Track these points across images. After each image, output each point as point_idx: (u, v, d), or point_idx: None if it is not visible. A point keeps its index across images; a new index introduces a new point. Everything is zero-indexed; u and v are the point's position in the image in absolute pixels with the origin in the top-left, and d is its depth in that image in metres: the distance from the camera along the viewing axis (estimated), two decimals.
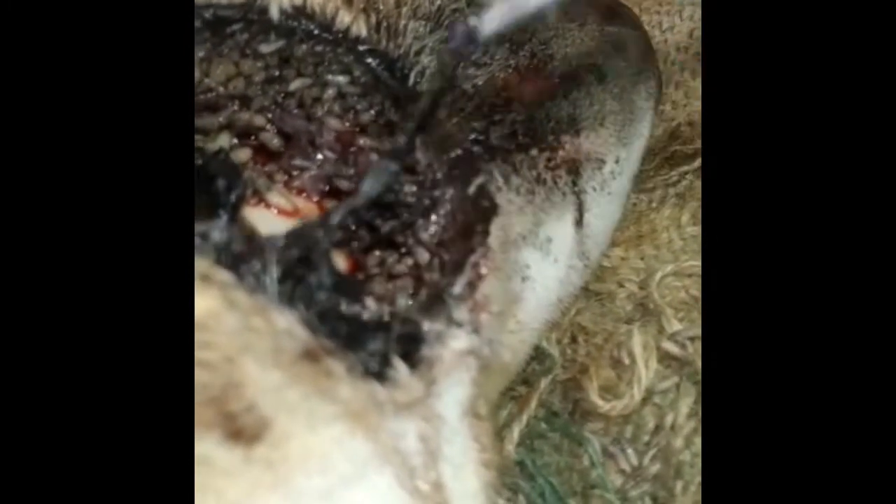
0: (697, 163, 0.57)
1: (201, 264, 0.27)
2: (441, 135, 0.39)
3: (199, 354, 0.25)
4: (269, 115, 0.40)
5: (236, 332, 0.26)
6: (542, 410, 0.49)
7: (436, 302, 0.33)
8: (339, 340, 0.29)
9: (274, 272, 0.28)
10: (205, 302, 0.26)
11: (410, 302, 0.34)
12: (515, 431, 0.48)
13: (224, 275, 0.27)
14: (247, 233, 0.35)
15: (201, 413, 0.25)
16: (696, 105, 0.60)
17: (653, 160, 0.58)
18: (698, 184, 0.56)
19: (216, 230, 0.30)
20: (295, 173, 0.41)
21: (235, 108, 0.40)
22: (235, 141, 0.40)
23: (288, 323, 0.28)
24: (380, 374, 0.30)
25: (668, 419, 0.46)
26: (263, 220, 0.37)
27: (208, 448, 0.25)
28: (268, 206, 0.40)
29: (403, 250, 0.36)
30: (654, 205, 0.57)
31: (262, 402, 0.26)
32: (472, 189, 0.38)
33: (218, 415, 0.25)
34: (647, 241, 0.54)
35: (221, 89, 0.40)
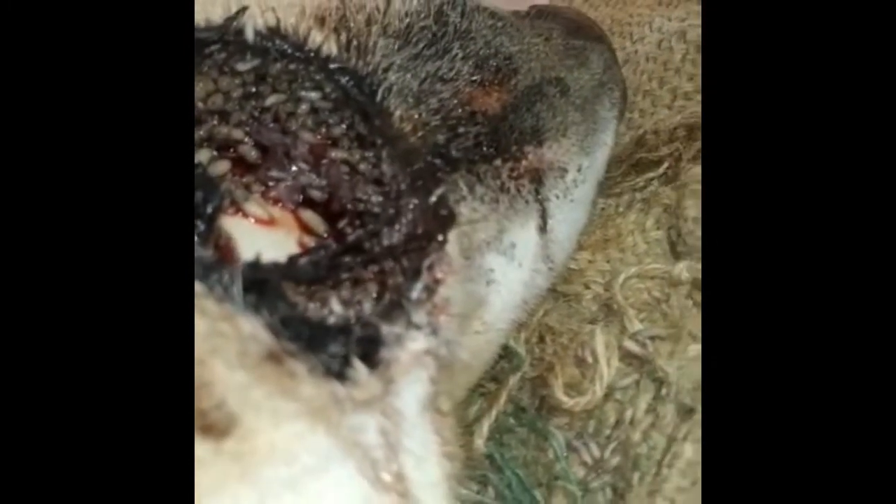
0: (662, 169, 0.59)
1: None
2: (405, 148, 0.41)
3: None
4: (247, 129, 0.41)
5: (206, 336, 0.28)
6: (510, 406, 0.51)
7: (395, 306, 0.35)
8: (302, 343, 0.31)
9: (240, 284, 0.30)
10: None
11: (374, 306, 0.36)
12: (485, 426, 0.49)
13: (195, 285, 0.29)
14: (224, 241, 0.38)
15: None
16: (662, 113, 0.62)
17: (619, 167, 0.60)
18: (663, 189, 0.58)
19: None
20: (271, 184, 0.42)
21: (215, 122, 0.41)
22: (215, 153, 0.41)
23: (253, 328, 0.30)
24: (340, 374, 0.31)
25: (628, 414, 0.47)
26: (241, 229, 0.39)
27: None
28: (245, 215, 0.41)
29: (369, 257, 0.37)
30: (620, 209, 0.59)
31: (230, 401, 0.28)
32: (432, 199, 0.40)
33: None
34: (612, 245, 0.56)
35: (201, 105, 0.41)
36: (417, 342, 0.35)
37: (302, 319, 0.32)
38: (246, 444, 0.28)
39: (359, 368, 0.32)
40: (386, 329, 0.34)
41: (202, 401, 0.28)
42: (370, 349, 0.33)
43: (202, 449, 0.28)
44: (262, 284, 0.31)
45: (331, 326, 0.33)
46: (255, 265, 0.32)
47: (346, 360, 0.32)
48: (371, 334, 0.33)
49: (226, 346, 0.29)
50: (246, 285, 0.30)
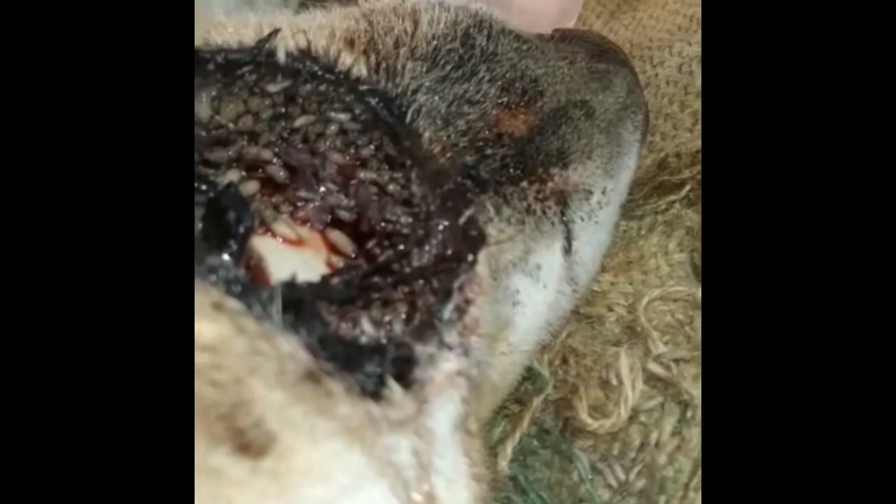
0: (684, 192, 0.59)
1: (213, 294, 0.29)
2: (435, 169, 0.42)
3: (212, 375, 0.28)
4: (276, 150, 0.42)
5: (245, 355, 0.28)
6: (534, 428, 0.51)
7: (427, 326, 0.35)
8: (338, 363, 0.31)
9: (279, 303, 0.30)
10: (216, 328, 0.28)
11: (405, 327, 0.36)
12: (509, 448, 0.49)
13: (234, 303, 0.29)
14: (255, 261, 0.38)
15: (213, 428, 0.27)
16: (684, 136, 0.63)
17: (642, 189, 0.60)
18: (685, 212, 0.58)
19: (225, 260, 0.32)
20: (299, 204, 0.42)
21: (244, 143, 0.41)
22: (244, 174, 0.41)
23: (291, 347, 0.30)
24: (375, 393, 0.31)
25: (653, 437, 0.47)
26: (269, 249, 0.39)
27: (219, 460, 0.27)
28: (274, 235, 0.41)
29: (399, 278, 0.37)
30: (642, 232, 0.59)
31: (269, 419, 0.28)
32: (462, 220, 0.40)
33: (228, 430, 0.28)
34: (635, 267, 0.57)
35: (231, 126, 0.41)
36: (450, 362, 0.35)
37: (337, 339, 0.32)
38: (284, 463, 0.28)
39: (393, 388, 0.32)
40: (419, 349, 0.34)
41: (240, 420, 0.28)
42: (404, 369, 0.33)
43: (240, 468, 0.28)
44: (298, 304, 0.31)
45: (365, 346, 0.33)
46: (291, 285, 0.32)
47: (381, 380, 0.32)
48: (405, 354, 0.34)
49: (265, 365, 0.29)
50: (283, 304, 0.30)
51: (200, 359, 0.28)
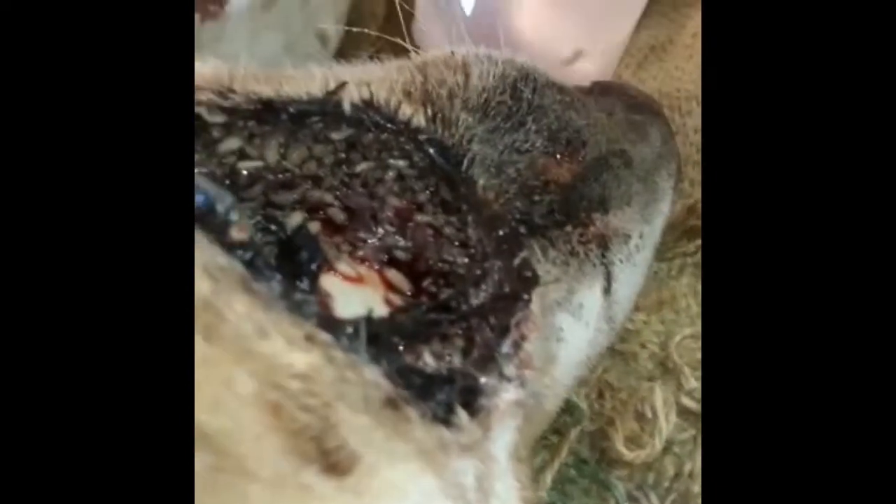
0: None
1: (306, 326, 0.32)
2: (490, 215, 0.45)
3: (304, 400, 0.31)
4: (337, 193, 0.44)
5: (333, 382, 0.31)
6: (571, 458, 0.53)
7: (489, 360, 0.38)
8: (414, 391, 0.34)
9: (364, 336, 0.33)
10: (309, 358, 0.31)
11: (463, 360, 0.38)
12: (548, 476, 0.52)
13: (325, 336, 0.32)
14: (323, 297, 0.41)
15: (304, 448, 0.30)
16: None
17: (673, 233, 0.63)
18: None
19: (310, 296, 0.35)
20: (359, 244, 0.44)
21: (308, 186, 0.43)
22: (307, 215, 0.43)
23: (374, 376, 0.32)
24: (446, 420, 0.34)
25: (687, 467, 0.50)
26: (331, 285, 0.41)
27: (309, 478, 0.30)
28: (335, 273, 0.43)
29: (458, 314, 0.40)
30: (673, 273, 0.62)
31: (353, 441, 0.31)
32: (516, 261, 0.43)
33: (317, 451, 0.30)
34: (667, 307, 0.59)
35: (297, 170, 0.43)
36: (510, 393, 0.38)
37: (412, 369, 0.35)
38: (365, 482, 0.31)
39: (461, 415, 0.35)
40: (483, 380, 0.37)
41: (328, 441, 0.31)
42: (471, 398, 0.36)
43: (327, 486, 0.31)
44: (375, 337, 0.34)
45: (437, 376, 0.36)
46: (369, 319, 0.35)
47: (451, 408, 0.35)
48: (471, 384, 0.36)
49: (351, 392, 0.32)
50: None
51: (294, 385, 0.31)
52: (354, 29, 0.77)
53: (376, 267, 0.44)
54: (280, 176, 0.44)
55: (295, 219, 0.43)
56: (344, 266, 0.44)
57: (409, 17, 0.75)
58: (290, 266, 0.39)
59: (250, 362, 0.30)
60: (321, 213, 0.44)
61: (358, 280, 0.44)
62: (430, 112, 0.47)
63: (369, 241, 0.44)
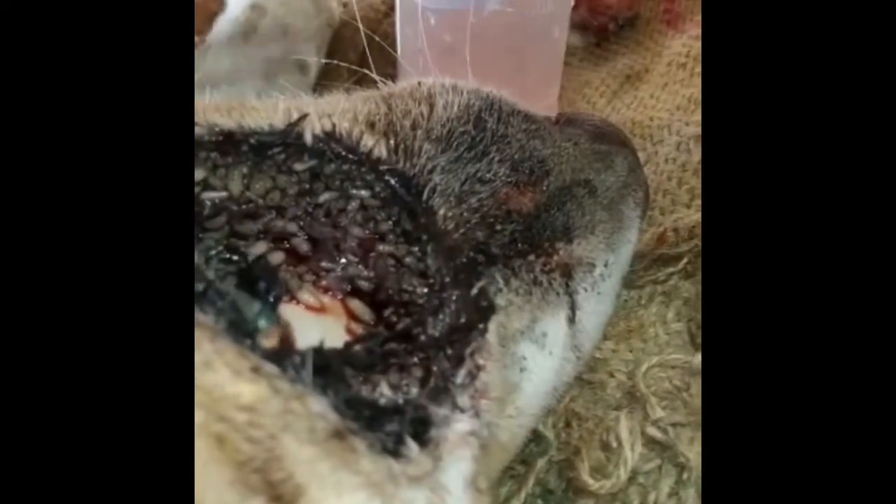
0: (682, 264, 0.62)
1: (252, 358, 0.32)
2: (449, 245, 0.45)
3: (249, 432, 0.31)
4: (301, 223, 0.44)
5: (279, 414, 0.31)
6: (538, 488, 0.53)
7: (441, 391, 0.38)
8: (362, 422, 0.34)
9: (310, 367, 0.33)
10: (255, 389, 0.31)
11: (420, 390, 0.39)
12: None
13: (271, 367, 0.32)
14: (283, 327, 0.41)
15: (249, 480, 0.30)
16: (682, 211, 0.66)
17: (642, 261, 0.63)
18: (683, 283, 0.61)
19: (262, 326, 0.35)
20: (322, 274, 0.44)
21: (272, 216, 0.44)
22: (271, 245, 0.44)
23: (321, 407, 0.33)
24: (395, 451, 0.34)
25: (651, 497, 0.49)
26: (294, 315, 0.42)
27: None
28: (298, 302, 0.43)
29: (415, 345, 0.40)
30: (642, 302, 0.62)
31: (298, 473, 0.31)
32: (474, 291, 0.43)
33: (262, 482, 0.30)
34: (635, 336, 0.59)
35: (260, 201, 0.44)
36: (463, 423, 0.38)
37: (361, 400, 0.35)
38: None
39: (411, 446, 0.35)
40: (434, 410, 0.37)
41: (273, 473, 0.31)
42: (421, 429, 0.36)
43: None
44: (325, 368, 0.34)
45: (386, 407, 0.36)
46: (319, 350, 0.35)
47: (400, 439, 0.35)
48: (422, 415, 0.36)
49: (296, 423, 0.32)
50: (313, 368, 0.33)
51: (239, 417, 0.31)
52: (333, 62, 0.78)
53: (339, 297, 0.45)
54: (244, 206, 0.44)
55: (258, 248, 0.44)
56: (306, 296, 0.44)
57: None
58: (246, 296, 0.40)
59: (196, 394, 0.31)
60: (285, 242, 0.45)
61: (320, 310, 0.44)
62: (392, 143, 0.48)
63: (332, 270, 0.45)
